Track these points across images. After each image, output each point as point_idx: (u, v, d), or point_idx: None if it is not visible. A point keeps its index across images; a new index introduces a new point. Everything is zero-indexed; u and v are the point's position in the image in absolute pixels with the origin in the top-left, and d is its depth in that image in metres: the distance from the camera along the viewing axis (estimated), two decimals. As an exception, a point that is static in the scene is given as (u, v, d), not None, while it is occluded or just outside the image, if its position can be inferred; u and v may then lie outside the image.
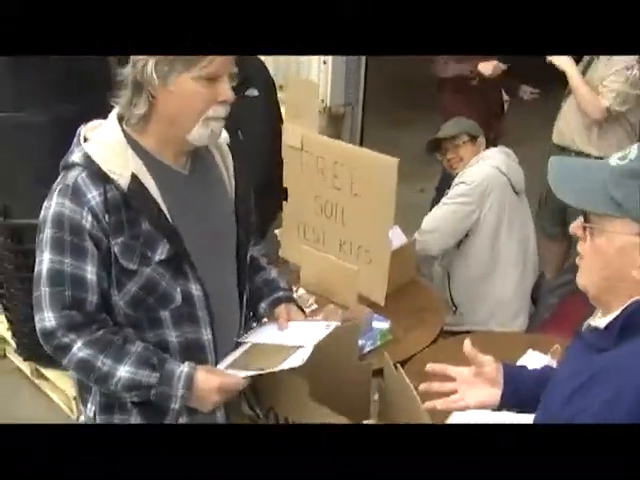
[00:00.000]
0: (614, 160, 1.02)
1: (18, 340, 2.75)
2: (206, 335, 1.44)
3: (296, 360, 1.40)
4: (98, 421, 1.46)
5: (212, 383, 1.38)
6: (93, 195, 1.31)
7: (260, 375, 1.44)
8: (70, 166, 1.34)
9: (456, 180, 2.58)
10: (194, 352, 1.43)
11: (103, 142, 1.35)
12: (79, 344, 1.34)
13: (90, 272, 1.33)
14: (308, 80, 3.36)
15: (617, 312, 1.01)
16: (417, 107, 5.16)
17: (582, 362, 1.04)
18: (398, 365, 1.63)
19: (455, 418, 1.78)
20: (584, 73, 2.89)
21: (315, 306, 2.28)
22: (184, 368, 1.38)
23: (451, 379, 1.32)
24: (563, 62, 2.87)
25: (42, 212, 1.35)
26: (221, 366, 1.47)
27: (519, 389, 1.28)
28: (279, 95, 2.68)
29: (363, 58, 3.97)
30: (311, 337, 1.47)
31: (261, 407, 1.64)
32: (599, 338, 1.03)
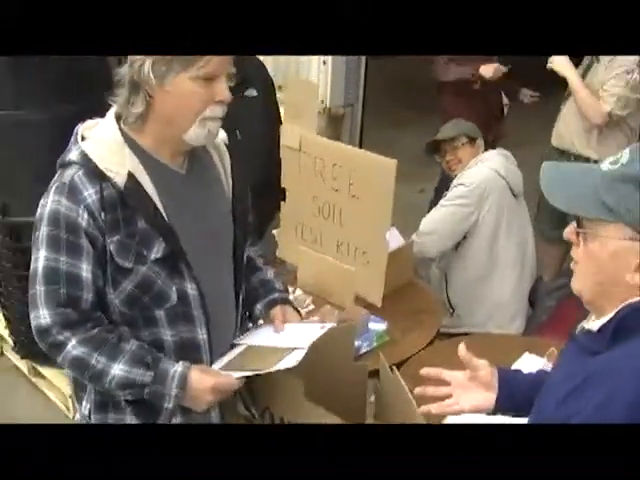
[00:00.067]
0: (606, 165, 1.02)
1: (15, 338, 2.75)
2: (201, 335, 1.44)
3: (290, 361, 1.40)
4: (93, 419, 1.46)
5: (206, 383, 1.38)
6: (89, 193, 1.31)
7: (255, 375, 1.44)
8: (67, 164, 1.34)
9: (454, 182, 2.58)
10: (189, 351, 1.43)
11: (100, 140, 1.35)
12: (74, 342, 1.34)
13: (85, 270, 1.33)
14: (308, 81, 3.36)
15: (610, 315, 1.01)
16: (417, 107, 5.17)
17: (576, 365, 1.04)
18: (394, 367, 1.63)
19: (450, 422, 1.78)
20: (584, 76, 2.89)
21: (312, 307, 2.28)
22: (178, 367, 1.38)
23: (446, 383, 1.32)
24: (563, 67, 2.87)
25: (38, 210, 1.35)
26: (216, 367, 1.47)
27: (514, 393, 1.28)
28: (278, 95, 2.69)
29: (363, 59, 3.97)
30: (306, 339, 1.48)
31: (257, 407, 1.64)
32: (592, 341, 1.03)
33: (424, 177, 3.95)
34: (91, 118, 1.41)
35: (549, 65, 2.92)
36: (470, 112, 3.02)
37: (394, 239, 2.36)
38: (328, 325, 1.58)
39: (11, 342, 2.84)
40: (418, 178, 4.13)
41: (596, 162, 1.29)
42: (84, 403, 1.47)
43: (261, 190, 2.09)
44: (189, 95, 1.31)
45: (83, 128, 1.39)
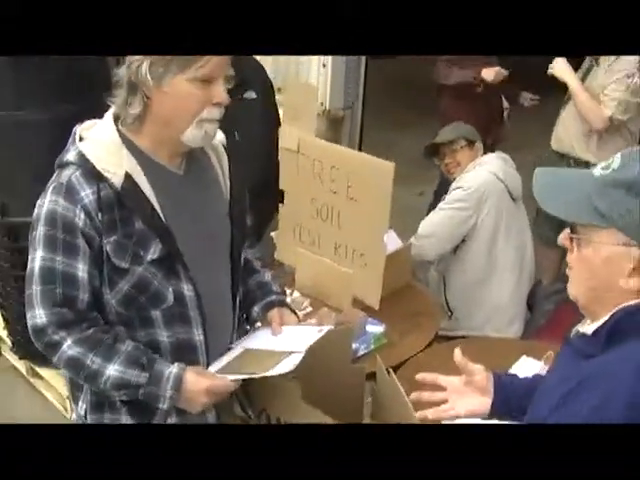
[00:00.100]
0: (598, 170, 1.02)
1: (13, 338, 2.75)
2: (198, 336, 1.44)
3: (286, 366, 1.40)
4: (89, 419, 1.46)
5: (201, 385, 1.37)
6: (86, 193, 1.31)
7: (250, 379, 1.44)
8: (64, 164, 1.34)
9: (453, 185, 2.58)
10: (185, 352, 1.43)
11: (98, 141, 1.35)
12: (69, 342, 1.34)
13: (82, 270, 1.33)
14: (307, 83, 3.36)
15: (605, 318, 1.01)
16: (417, 108, 5.17)
17: (571, 368, 1.04)
18: (390, 370, 1.63)
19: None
20: (583, 80, 2.89)
21: (310, 309, 2.28)
22: (173, 369, 1.37)
23: (442, 388, 1.32)
24: (564, 72, 2.87)
25: (35, 210, 1.36)
26: (212, 369, 1.46)
27: (509, 398, 1.28)
28: (277, 98, 2.69)
29: (363, 61, 3.97)
30: (303, 342, 1.47)
31: (253, 409, 1.64)
32: (587, 344, 1.04)
33: (424, 180, 3.95)
34: (91, 118, 1.41)
35: (550, 71, 2.92)
36: (470, 115, 3.02)
37: (392, 242, 2.36)
38: (325, 328, 1.57)
39: (9, 342, 2.84)
40: (418, 181, 4.13)
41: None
42: (80, 403, 1.47)
43: (260, 192, 2.09)
44: (186, 96, 1.31)
45: (81, 129, 1.39)
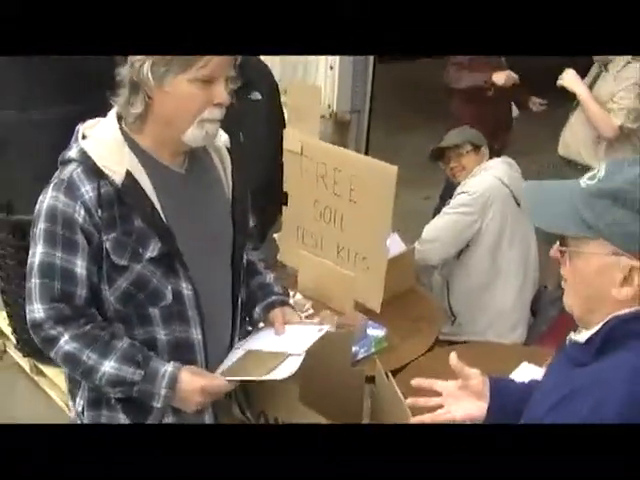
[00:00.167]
0: (584, 181, 1.01)
1: (18, 336, 2.77)
2: (196, 335, 1.44)
3: (284, 372, 1.39)
4: (86, 416, 1.47)
5: (195, 384, 1.38)
6: (87, 189, 1.32)
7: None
8: (66, 161, 1.35)
9: (458, 190, 2.58)
10: (183, 351, 1.43)
11: (100, 139, 1.36)
12: (66, 337, 1.35)
13: (80, 266, 1.34)
14: (311, 85, 3.36)
15: (597, 327, 1.01)
16: (425, 112, 5.17)
17: (564, 376, 1.04)
18: (389, 374, 1.62)
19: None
20: (591, 87, 2.88)
21: (311, 311, 2.28)
22: (168, 367, 1.38)
23: (438, 393, 1.32)
24: (573, 83, 2.86)
25: (37, 206, 1.37)
26: (218, 372, 1.46)
27: (505, 402, 1.28)
28: (283, 99, 2.69)
29: (370, 63, 3.96)
30: (303, 342, 1.47)
31: (252, 411, 1.64)
32: (580, 352, 1.03)
33: (430, 184, 3.94)
34: (95, 117, 1.42)
35: (559, 82, 2.92)
36: (479, 120, 3.02)
37: (395, 245, 2.35)
38: (325, 328, 1.57)
39: (14, 340, 2.85)
40: (423, 185, 4.13)
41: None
42: (78, 400, 1.48)
43: (264, 193, 2.09)
44: (187, 97, 1.32)
45: (84, 127, 1.40)
